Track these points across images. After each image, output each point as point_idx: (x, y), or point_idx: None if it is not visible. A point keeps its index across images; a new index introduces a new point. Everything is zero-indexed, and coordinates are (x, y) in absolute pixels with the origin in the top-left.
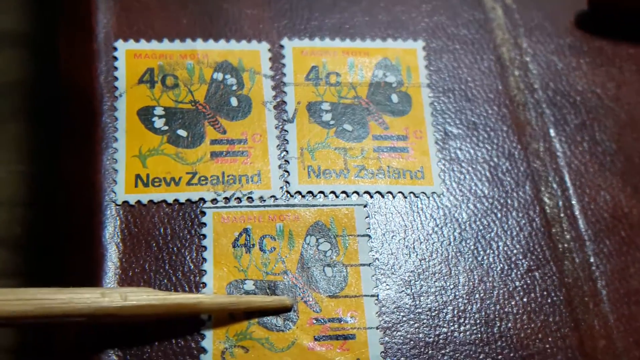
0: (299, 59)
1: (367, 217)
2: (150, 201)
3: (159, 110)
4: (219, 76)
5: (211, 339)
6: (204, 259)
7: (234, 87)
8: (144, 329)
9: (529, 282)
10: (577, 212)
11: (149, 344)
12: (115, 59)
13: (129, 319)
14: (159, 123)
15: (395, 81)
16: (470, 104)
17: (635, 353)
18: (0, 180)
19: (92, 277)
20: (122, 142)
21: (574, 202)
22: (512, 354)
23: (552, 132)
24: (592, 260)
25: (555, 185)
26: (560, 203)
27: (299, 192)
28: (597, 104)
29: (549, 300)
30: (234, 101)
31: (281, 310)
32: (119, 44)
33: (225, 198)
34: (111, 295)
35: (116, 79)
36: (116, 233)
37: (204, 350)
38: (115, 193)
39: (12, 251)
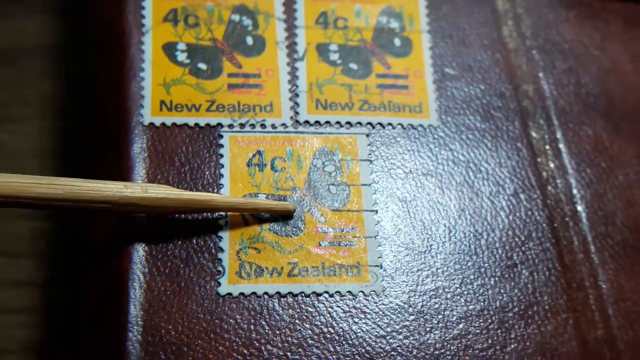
0: (310, 4)
1: (369, 145)
2: (174, 124)
3: (181, 46)
4: (236, 17)
5: (228, 241)
6: (222, 175)
7: (250, 28)
8: (169, 230)
9: (514, 202)
10: (561, 145)
11: (172, 242)
12: None
13: (148, 210)
14: (181, 57)
15: (398, 27)
16: (467, 49)
17: (611, 265)
18: (29, 134)
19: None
20: (148, 72)
21: (558, 136)
22: (497, 263)
23: (540, 75)
24: (573, 185)
25: (542, 121)
26: (546, 137)
27: (307, 122)
28: (583, 51)
29: (532, 219)
30: (249, 40)
31: (285, 214)
32: None
33: (241, 124)
34: (133, 187)
35: (143, 17)
36: (143, 149)
37: (221, 250)
38: (142, 116)
39: None
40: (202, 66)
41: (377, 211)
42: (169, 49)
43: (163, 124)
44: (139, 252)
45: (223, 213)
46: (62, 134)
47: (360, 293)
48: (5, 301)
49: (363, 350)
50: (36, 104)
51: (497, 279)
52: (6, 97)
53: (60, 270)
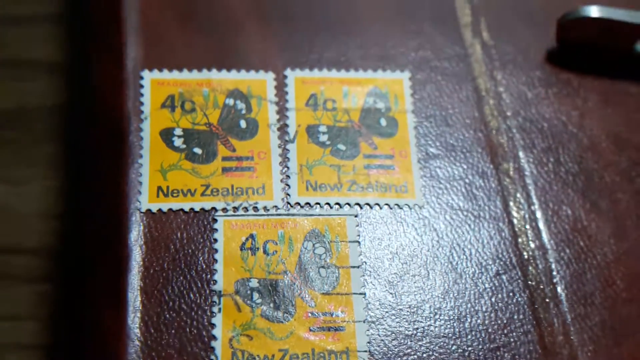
0: (300, 87)
1: (357, 226)
2: (170, 209)
3: (178, 131)
4: (230, 102)
5: (221, 328)
6: (215, 260)
7: (243, 111)
8: (163, 320)
9: (496, 284)
10: (541, 225)
11: (167, 331)
12: (142, 86)
13: None
14: (178, 142)
15: (384, 107)
16: (450, 128)
17: (589, 347)
18: (36, 194)
19: (118, 275)
20: (146, 158)
21: (538, 215)
22: (480, 346)
23: (521, 154)
24: (553, 266)
25: (522, 200)
26: (527, 216)
27: (298, 203)
28: (562, 129)
29: (514, 300)
30: (243, 123)
31: None
32: (145, 73)
33: (234, 207)
34: None
35: (142, 103)
36: (140, 236)
37: (214, 338)
38: (139, 202)
39: (46, 259)
40: (198, 151)
41: (365, 294)
42: (166, 135)
43: (160, 210)
44: (135, 342)
45: (217, 299)
46: (67, 194)
47: None
48: None
49: None
50: (41, 165)
51: None
52: (13, 159)
53: (62, 334)
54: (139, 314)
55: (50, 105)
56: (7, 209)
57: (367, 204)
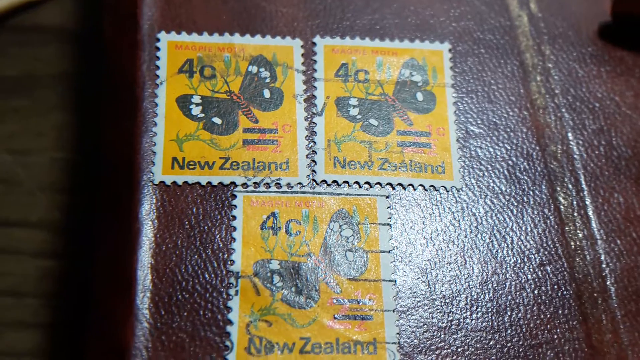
0: (330, 56)
1: (388, 207)
2: (185, 182)
3: (196, 99)
4: (253, 69)
5: (237, 312)
6: (233, 239)
7: (267, 80)
8: (175, 302)
9: (540, 275)
10: (590, 213)
11: (179, 313)
12: (158, 49)
13: None
14: (196, 110)
15: (421, 80)
16: (492, 105)
17: None
18: (42, 166)
19: (127, 251)
20: (161, 126)
21: (587, 202)
22: (521, 342)
23: (570, 135)
24: (602, 258)
25: (570, 186)
26: (575, 203)
27: (324, 181)
28: (615, 110)
29: (559, 294)
30: (266, 93)
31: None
32: (162, 35)
33: (255, 183)
34: None
35: (158, 68)
36: (152, 210)
37: (230, 322)
38: (153, 173)
39: (52, 234)
40: (217, 120)
41: (395, 281)
42: (183, 102)
43: (174, 182)
44: (143, 324)
45: (234, 281)
46: (74, 168)
47: None
48: (11, 342)
49: None
50: (49, 135)
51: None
52: (20, 128)
53: (65, 312)
54: (148, 294)
55: (60, 72)
56: (12, 180)
57: (400, 184)
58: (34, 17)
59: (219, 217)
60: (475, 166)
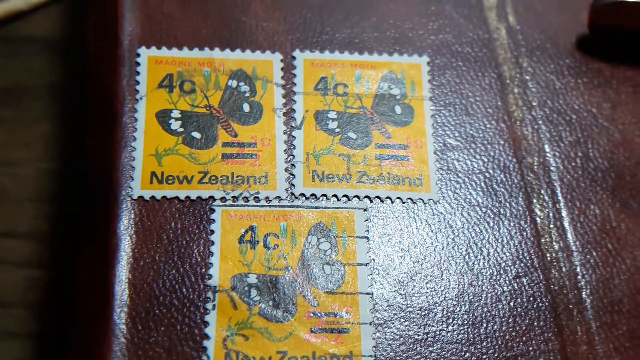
0: (309, 70)
1: (366, 220)
2: (164, 197)
3: (175, 113)
4: (233, 83)
5: (214, 327)
6: (211, 253)
7: (247, 94)
8: (152, 317)
9: (516, 287)
10: (566, 224)
11: (156, 328)
12: (138, 64)
13: None
14: (175, 125)
15: (400, 93)
16: (470, 117)
17: (615, 358)
18: (28, 176)
19: (105, 265)
20: (140, 141)
21: (564, 214)
22: (496, 355)
23: (546, 147)
24: (578, 270)
25: (547, 198)
26: (551, 215)
27: (303, 195)
28: (592, 122)
29: (535, 306)
30: (246, 107)
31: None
32: (142, 50)
33: (234, 197)
34: None
35: (138, 82)
36: (130, 225)
37: (207, 337)
38: (131, 188)
39: (39, 244)
40: (196, 135)
41: (372, 294)
42: (163, 117)
43: (153, 197)
44: (120, 339)
45: (211, 295)
46: (61, 178)
47: None
48: None
49: None
50: (36, 146)
51: None
52: (7, 139)
53: (51, 322)
54: (126, 309)
55: (47, 83)
56: (2, 192)
57: (378, 197)
58: (22, 27)
59: (197, 231)
60: (452, 178)
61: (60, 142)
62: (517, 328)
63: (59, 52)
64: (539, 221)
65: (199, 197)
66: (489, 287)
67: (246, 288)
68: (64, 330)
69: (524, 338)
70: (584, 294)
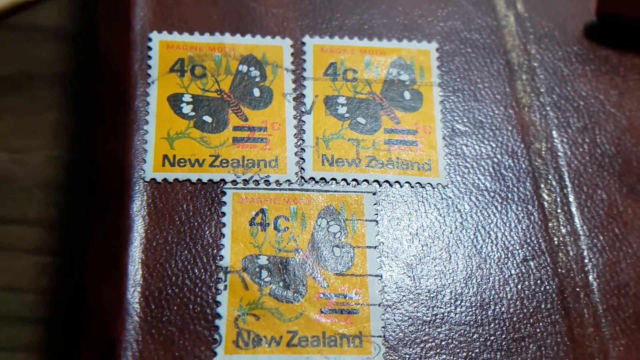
0: (319, 56)
1: (375, 204)
2: (176, 179)
3: (187, 97)
4: (243, 68)
5: (226, 307)
6: (223, 235)
7: (257, 79)
8: (165, 296)
9: (523, 270)
10: (573, 209)
11: (169, 308)
12: (150, 49)
13: None
14: (186, 109)
15: (409, 79)
16: (478, 103)
17: (622, 341)
18: (37, 164)
19: (118, 246)
20: (152, 125)
21: (571, 199)
22: (504, 336)
23: (554, 133)
24: (585, 253)
25: (554, 183)
26: (558, 199)
27: (312, 178)
28: (599, 109)
29: (542, 289)
30: (256, 92)
31: None
32: (154, 35)
33: (245, 180)
34: None
35: (149, 67)
36: (143, 207)
37: (219, 316)
38: (144, 171)
39: (49, 231)
40: (207, 119)
41: (381, 276)
42: (174, 101)
43: (165, 179)
44: (133, 317)
45: (223, 276)
46: (70, 165)
47: None
48: (8, 337)
49: None
50: (45, 134)
51: (503, 353)
52: (17, 127)
53: (62, 307)
54: (139, 289)
55: (56, 71)
56: (9, 178)
57: (387, 182)
58: (32, 16)
59: (208, 213)
60: (460, 163)
61: (69, 130)
62: (525, 310)
63: (68, 40)
64: (546, 205)
65: (210, 180)
66: (496, 270)
67: (257, 269)
68: (74, 314)
69: (531, 320)
70: (590, 277)
